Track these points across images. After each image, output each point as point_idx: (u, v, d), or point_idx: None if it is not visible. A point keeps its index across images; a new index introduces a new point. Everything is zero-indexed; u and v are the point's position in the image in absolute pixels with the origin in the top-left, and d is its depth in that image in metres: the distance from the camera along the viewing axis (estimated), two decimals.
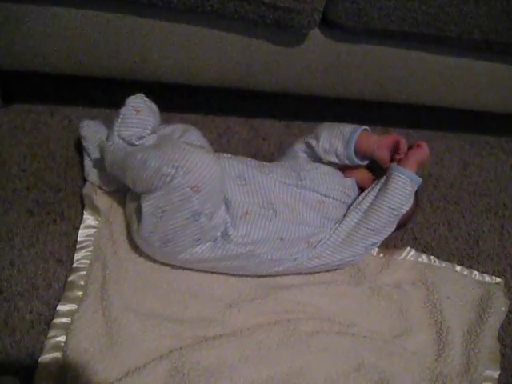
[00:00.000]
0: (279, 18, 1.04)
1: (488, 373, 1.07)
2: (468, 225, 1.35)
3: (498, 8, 1.09)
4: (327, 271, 1.13)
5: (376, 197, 1.07)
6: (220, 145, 1.30)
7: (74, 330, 0.92)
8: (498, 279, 1.23)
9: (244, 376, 0.93)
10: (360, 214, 1.07)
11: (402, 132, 1.52)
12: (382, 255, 1.20)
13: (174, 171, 0.89)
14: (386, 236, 1.09)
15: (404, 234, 1.28)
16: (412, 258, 1.20)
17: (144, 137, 0.99)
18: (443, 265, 1.22)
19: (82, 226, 1.06)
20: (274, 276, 1.09)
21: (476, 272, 1.24)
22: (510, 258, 1.31)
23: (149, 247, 1.01)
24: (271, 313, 1.04)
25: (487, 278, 1.23)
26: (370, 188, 1.09)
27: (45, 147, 1.19)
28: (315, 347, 1.00)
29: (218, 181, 0.93)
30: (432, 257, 1.23)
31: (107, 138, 1.01)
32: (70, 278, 1.00)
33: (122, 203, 1.09)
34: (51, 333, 0.92)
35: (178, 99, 1.37)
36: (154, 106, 1.05)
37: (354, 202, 1.10)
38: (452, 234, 1.32)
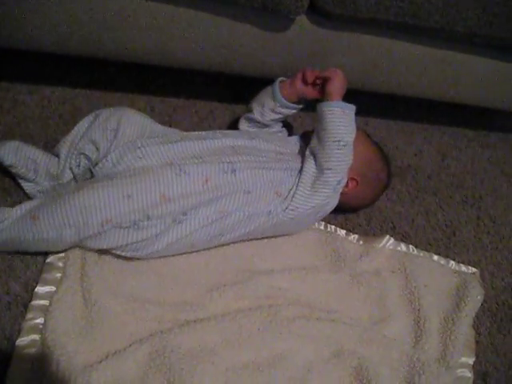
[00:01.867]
0: (267, 2, 1.03)
1: (463, 359, 1.09)
2: (445, 215, 1.37)
3: (481, 2, 1.11)
4: (307, 253, 1.15)
5: (318, 137, 1.08)
6: (201, 129, 1.28)
7: (52, 312, 0.90)
8: (474, 269, 1.25)
9: (225, 360, 0.93)
10: (313, 158, 1.09)
11: (382, 123, 1.54)
12: (361, 242, 1.21)
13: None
14: (346, 168, 1.09)
15: (383, 223, 1.29)
16: (391, 247, 1.21)
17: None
18: (421, 254, 1.24)
19: None
20: (253, 244, 1.11)
21: (452, 262, 1.25)
22: (485, 248, 1.33)
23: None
24: (252, 298, 1.04)
25: (463, 267, 1.25)
26: (314, 133, 1.11)
27: (23, 127, 1.16)
28: (296, 333, 1.00)
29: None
30: (410, 246, 1.24)
31: None
32: (48, 260, 0.98)
33: None
34: (29, 315, 0.91)
35: (160, 81, 1.35)
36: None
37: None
38: (430, 224, 1.33)
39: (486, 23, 1.15)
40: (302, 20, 1.13)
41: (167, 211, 0.97)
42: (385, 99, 1.49)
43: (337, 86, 1.09)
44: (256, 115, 1.17)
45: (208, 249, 1.07)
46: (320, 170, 1.07)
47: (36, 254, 0.98)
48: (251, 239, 1.11)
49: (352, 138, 1.07)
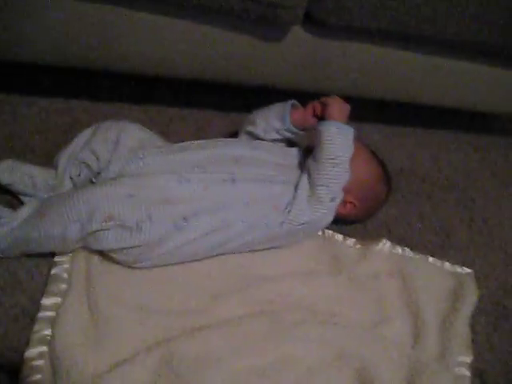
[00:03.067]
0: (264, 12, 1.05)
1: (461, 358, 1.11)
2: (439, 218, 1.40)
3: (470, 10, 1.14)
4: (307, 258, 1.16)
5: (314, 155, 1.10)
6: (200, 139, 1.30)
7: (59, 324, 0.91)
8: (468, 270, 1.28)
9: (231, 366, 0.94)
10: (307, 175, 1.11)
11: (375, 127, 1.57)
12: (358, 246, 1.23)
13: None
14: (339, 186, 1.10)
15: (379, 227, 1.31)
16: (387, 250, 1.23)
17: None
18: (417, 256, 1.26)
19: None
20: (253, 251, 1.12)
21: (447, 263, 1.28)
22: (479, 249, 1.36)
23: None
24: (255, 304, 1.05)
25: (458, 268, 1.28)
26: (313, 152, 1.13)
27: (23, 139, 1.17)
28: (299, 337, 1.02)
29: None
30: (406, 248, 1.26)
31: None
32: (53, 271, 0.99)
33: None
34: (36, 327, 0.91)
35: (157, 92, 1.37)
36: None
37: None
38: (424, 227, 1.36)
39: (474, 30, 1.18)
40: (297, 29, 1.15)
41: (168, 213, 0.99)
42: (376, 104, 1.51)
43: (335, 109, 1.11)
44: (259, 131, 1.18)
45: (209, 258, 1.09)
46: (313, 186, 1.09)
47: (41, 265, 0.99)
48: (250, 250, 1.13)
49: (347, 157, 1.09)
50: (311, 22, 1.13)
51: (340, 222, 1.23)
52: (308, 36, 1.16)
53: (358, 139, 1.14)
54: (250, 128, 1.20)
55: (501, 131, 1.78)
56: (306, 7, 1.08)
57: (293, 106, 1.17)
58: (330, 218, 1.15)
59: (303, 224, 1.10)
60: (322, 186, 1.08)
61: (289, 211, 1.08)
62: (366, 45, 1.21)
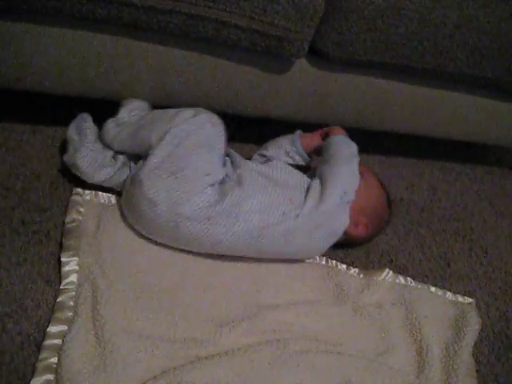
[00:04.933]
0: (270, 45, 1.08)
1: None
2: (439, 248, 1.41)
3: (470, 43, 1.17)
4: (311, 287, 1.17)
5: (323, 159, 1.19)
6: None
7: (66, 352, 0.90)
8: (470, 299, 1.29)
9: None
10: (318, 179, 1.15)
11: (374, 158, 1.59)
12: (362, 276, 1.24)
13: (194, 112, 1.08)
14: (349, 185, 1.13)
15: (381, 256, 1.32)
16: (390, 279, 1.24)
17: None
18: (419, 286, 1.27)
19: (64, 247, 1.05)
20: (257, 280, 1.14)
21: (449, 292, 1.29)
22: (479, 279, 1.37)
23: (152, 184, 1.03)
24: (260, 333, 1.05)
25: (460, 298, 1.29)
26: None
27: (29, 166, 1.17)
28: (304, 366, 1.02)
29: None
30: (408, 278, 1.27)
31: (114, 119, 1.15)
32: (59, 299, 0.98)
33: (110, 221, 1.10)
34: (42, 355, 0.90)
35: None
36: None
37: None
38: (425, 257, 1.37)
39: (474, 64, 1.22)
40: (302, 62, 1.18)
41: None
42: (376, 135, 1.54)
43: (340, 131, 1.22)
44: (270, 154, 1.26)
45: (213, 285, 1.09)
46: (324, 183, 1.12)
47: (46, 292, 0.98)
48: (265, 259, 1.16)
49: (354, 160, 1.15)
50: (315, 54, 1.16)
51: (346, 246, 1.26)
52: (312, 69, 1.19)
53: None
54: (262, 152, 1.27)
55: (496, 161, 1.81)
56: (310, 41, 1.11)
57: (299, 134, 1.27)
58: (346, 220, 1.15)
59: (318, 217, 1.10)
60: (332, 182, 1.11)
61: (303, 205, 1.10)
62: (368, 77, 1.24)
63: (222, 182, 1.09)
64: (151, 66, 1.13)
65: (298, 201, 1.11)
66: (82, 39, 1.05)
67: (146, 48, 1.08)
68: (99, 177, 1.11)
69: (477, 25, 1.14)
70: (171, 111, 1.10)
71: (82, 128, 1.14)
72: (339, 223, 1.15)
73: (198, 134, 1.06)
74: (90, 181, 1.12)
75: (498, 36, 1.16)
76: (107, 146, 1.14)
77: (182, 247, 1.11)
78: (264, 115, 1.29)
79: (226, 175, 1.11)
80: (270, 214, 1.08)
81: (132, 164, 1.13)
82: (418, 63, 1.19)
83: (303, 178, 1.17)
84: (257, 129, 1.45)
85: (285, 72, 1.19)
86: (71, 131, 1.15)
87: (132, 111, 1.18)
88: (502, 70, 1.23)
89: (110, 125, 1.14)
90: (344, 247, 1.27)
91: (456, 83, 1.28)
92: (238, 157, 1.17)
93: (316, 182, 1.13)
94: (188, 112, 1.08)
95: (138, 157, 1.11)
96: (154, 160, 1.04)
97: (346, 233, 1.17)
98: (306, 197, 1.11)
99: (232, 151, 1.19)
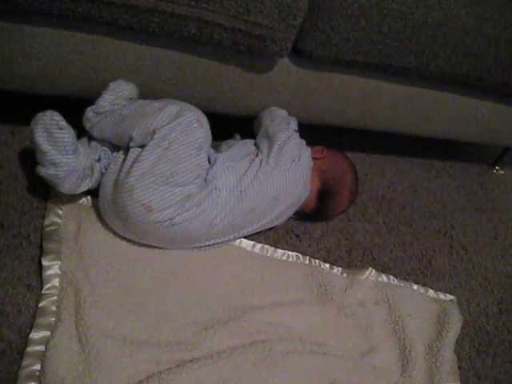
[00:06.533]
0: (253, 44, 1.07)
1: None
2: (421, 245, 1.43)
3: (452, 43, 1.18)
4: (295, 287, 1.18)
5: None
6: None
7: (49, 358, 0.89)
8: (451, 296, 1.31)
9: None
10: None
11: (355, 156, 1.59)
12: (345, 275, 1.24)
13: (178, 108, 1.05)
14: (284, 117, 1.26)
15: (363, 255, 1.33)
16: (373, 278, 1.25)
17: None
18: (401, 284, 1.28)
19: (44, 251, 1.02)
20: (242, 281, 1.14)
21: (431, 290, 1.31)
22: (460, 276, 1.39)
23: (144, 190, 1.01)
24: (245, 334, 1.05)
25: (441, 295, 1.30)
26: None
27: (6, 168, 1.14)
28: (290, 367, 1.02)
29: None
30: (391, 276, 1.28)
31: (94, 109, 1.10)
32: (41, 304, 0.96)
33: (90, 223, 1.09)
34: (25, 362, 0.88)
35: None
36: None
37: None
38: (407, 254, 1.38)
39: (455, 63, 1.22)
40: (284, 61, 1.17)
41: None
42: (357, 133, 1.54)
43: None
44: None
45: (197, 287, 1.09)
46: (266, 133, 1.22)
47: (27, 298, 0.96)
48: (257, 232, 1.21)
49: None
50: (299, 54, 1.15)
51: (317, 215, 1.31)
52: (295, 67, 1.18)
53: None
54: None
55: (476, 159, 1.83)
56: (293, 40, 1.10)
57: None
58: (301, 143, 1.24)
59: (279, 155, 1.17)
60: (270, 127, 1.22)
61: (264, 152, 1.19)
62: (351, 76, 1.23)
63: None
64: (133, 66, 1.11)
65: (259, 153, 1.19)
66: (61, 38, 1.02)
67: (127, 47, 1.06)
68: (79, 190, 1.06)
69: (459, 24, 1.15)
70: (155, 104, 1.06)
71: (55, 133, 0.98)
72: (299, 147, 1.22)
73: (186, 136, 1.04)
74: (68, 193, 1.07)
75: (479, 36, 1.17)
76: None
77: (178, 245, 1.11)
78: (247, 114, 1.28)
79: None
80: (240, 169, 1.14)
81: (103, 155, 1.10)
82: (400, 62, 1.19)
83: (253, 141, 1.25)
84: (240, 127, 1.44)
85: (268, 71, 1.18)
86: (40, 139, 0.98)
87: (115, 100, 1.12)
88: (483, 69, 1.24)
89: (90, 114, 1.10)
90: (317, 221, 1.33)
91: (437, 82, 1.29)
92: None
93: (261, 136, 1.23)
94: (172, 107, 1.04)
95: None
96: (143, 165, 1.01)
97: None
98: (261, 148, 1.20)
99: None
